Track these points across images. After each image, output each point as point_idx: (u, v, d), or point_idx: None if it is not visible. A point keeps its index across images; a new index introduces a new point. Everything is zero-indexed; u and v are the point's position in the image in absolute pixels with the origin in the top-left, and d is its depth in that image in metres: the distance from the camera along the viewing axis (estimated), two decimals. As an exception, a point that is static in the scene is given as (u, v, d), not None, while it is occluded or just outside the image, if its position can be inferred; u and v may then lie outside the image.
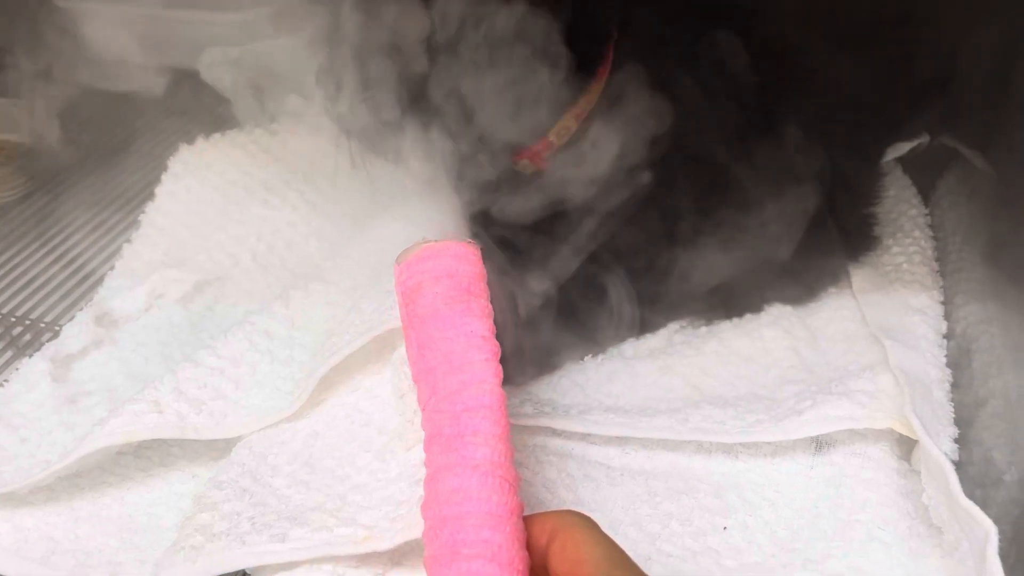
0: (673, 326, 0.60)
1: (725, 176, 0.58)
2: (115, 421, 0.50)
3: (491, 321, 0.44)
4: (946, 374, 0.54)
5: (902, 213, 0.68)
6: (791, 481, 0.50)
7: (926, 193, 0.70)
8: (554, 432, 0.53)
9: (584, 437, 0.52)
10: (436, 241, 0.46)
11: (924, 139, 0.71)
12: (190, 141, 0.72)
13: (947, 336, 0.57)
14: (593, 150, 0.56)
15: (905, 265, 0.63)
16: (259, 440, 0.51)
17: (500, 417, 0.41)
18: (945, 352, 0.56)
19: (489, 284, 0.57)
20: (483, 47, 0.49)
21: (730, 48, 0.60)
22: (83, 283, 0.69)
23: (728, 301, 0.61)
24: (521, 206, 0.57)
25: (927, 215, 0.68)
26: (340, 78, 0.53)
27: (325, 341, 0.53)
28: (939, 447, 0.47)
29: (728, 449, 0.52)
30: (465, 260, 0.45)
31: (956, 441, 0.49)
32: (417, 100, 0.51)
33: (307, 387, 0.51)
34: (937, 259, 0.64)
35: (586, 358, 0.58)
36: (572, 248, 0.59)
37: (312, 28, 0.57)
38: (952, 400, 0.52)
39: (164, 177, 0.71)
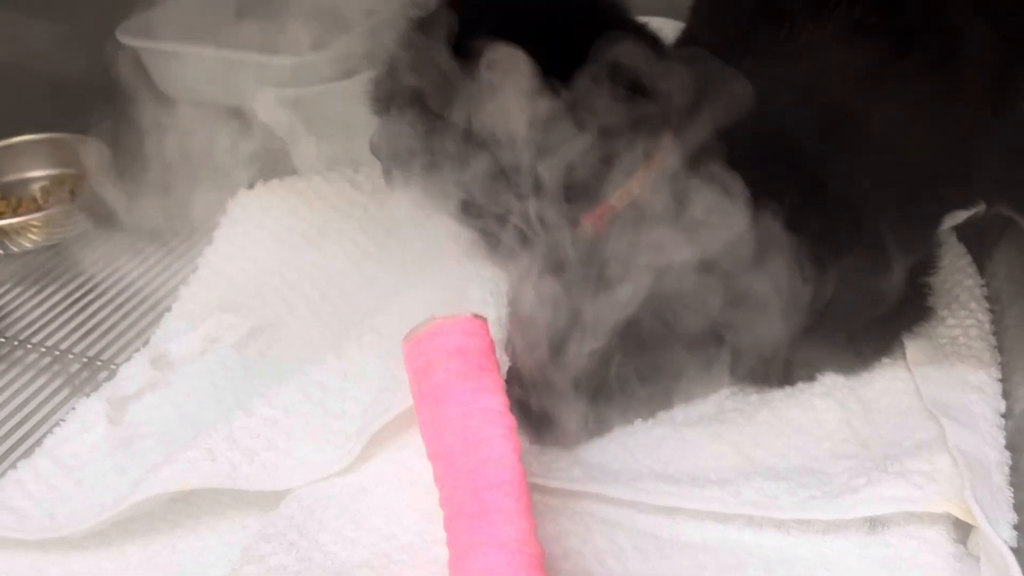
0: (724, 392, 0.60)
1: (779, 242, 0.58)
2: (169, 468, 0.51)
3: (504, 395, 0.45)
4: (1005, 456, 0.53)
5: (957, 283, 0.67)
6: (844, 560, 0.49)
7: (982, 263, 0.69)
8: (603, 498, 0.52)
9: (633, 504, 0.52)
10: (445, 317, 0.46)
11: (980, 208, 0.70)
12: (249, 185, 0.74)
13: (1005, 415, 0.56)
14: (651, 213, 0.57)
15: (961, 339, 0.62)
16: (308, 493, 0.51)
17: (522, 493, 0.41)
18: (1004, 433, 0.55)
19: (537, 345, 0.57)
20: (554, 119, 0.50)
21: (789, 117, 0.61)
22: (139, 322, 0.70)
23: (781, 369, 0.60)
24: (579, 266, 0.57)
25: (983, 286, 0.67)
26: (395, 146, 0.54)
27: (377, 396, 0.53)
28: (999, 534, 0.46)
29: (780, 524, 0.51)
30: (475, 335, 0.46)
31: (1016, 528, 0.48)
32: (473, 167, 0.52)
33: (359, 443, 0.51)
34: (994, 333, 0.63)
35: (636, 422, 0.58)
36: (624, 310, 0.59)
37: (369, 93, 0.58)
38: (1012, 484, 0.51)
39: (222, 220, 0.72)
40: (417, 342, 0.46)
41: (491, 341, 0.46)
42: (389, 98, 0.56)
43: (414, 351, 0.46)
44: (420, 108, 0.54)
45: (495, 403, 0.43)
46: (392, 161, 0.56)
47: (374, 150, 0.58)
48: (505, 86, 0.50)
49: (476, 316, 0.47)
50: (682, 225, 0.55)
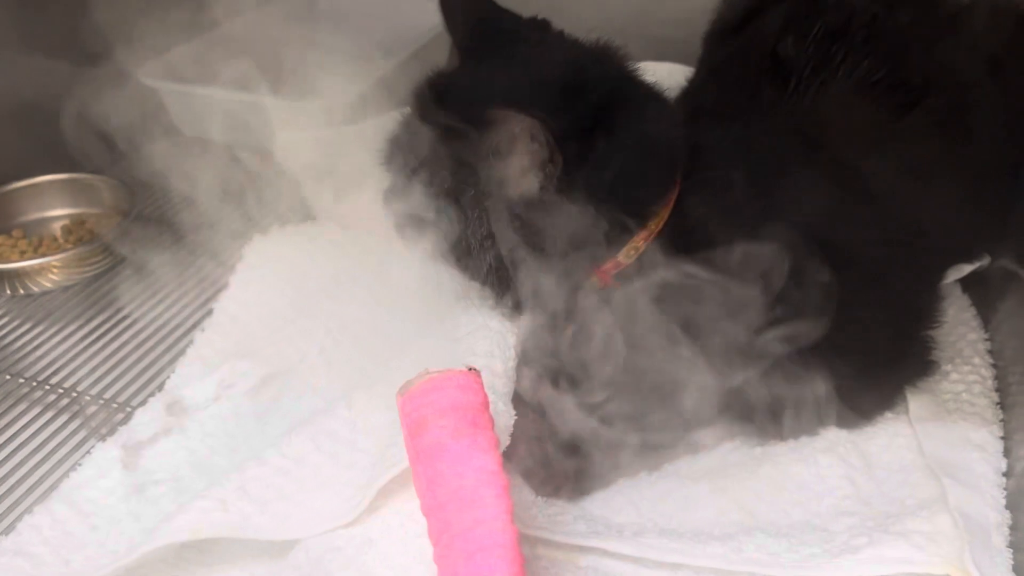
0: (728, 445, 0.61)
1: (779, 296, 0.59)
2: (182, 518, 0.52)
3: (498, 453, 0.45)
4: (1005, 516, 0.53)
5: (961, 337, 0.68)
6: (844, 619, 0.50)
7: (986, 317, 0.70)
8: (607, 553, 0.53)
9: (637, 560, 0.53)
10: (439, 372, 0.47)
11: (985, 261, 0.71)
12: (264, 230, 0.75)
13: (1007, 474, 0.57)
14: (656, 269, 0.58)
15: (964, 394, 0.62)
16: (316, 544, 0.52)
17: (515, 555, 0.42)
18: (1005, 492, 0.55)
19: (542, 399, 0.58)
20: (564, 181, 0.51)
21: (794, 172, 0.62)
22: (155, 364, 0.72)
23: (782, 423, 0.61)
24: (586, 319, 0.58)
25: (987, 340, 0.68)
26: (407, 205, 0.55)
27: (385, 449, 0.54)
28: (997, 597, 0.46)
29: (780, 581, 0.52)
30: (468, 390, 0.47)
31: (1014, 589, 0.49)
32: (486, 227, 0.54)
33: (367, 495, 0.52)
34: (997, 389, 0.64)
35: (641, 475, 0.59)
36: (629, 363, 0.60)
37: (383, 151, 0.60)
38: (1011, 545, 0.52)
39: (239, 266, 0.74)
40: (411, 396, 0.47)
41: (485, 396, 0.47)
42: (402, 157, 0.58)
43: (408, 405, 0.47)
44: (431, 168, 0.55)
45: (489, 462, 0.44)
46: (404, 219, 0.58)
47: (386, 206, 0.59)
48: (516, 152, 0.52)
49: (471, 370, 0.48)
50: (686, 282, 0.57)
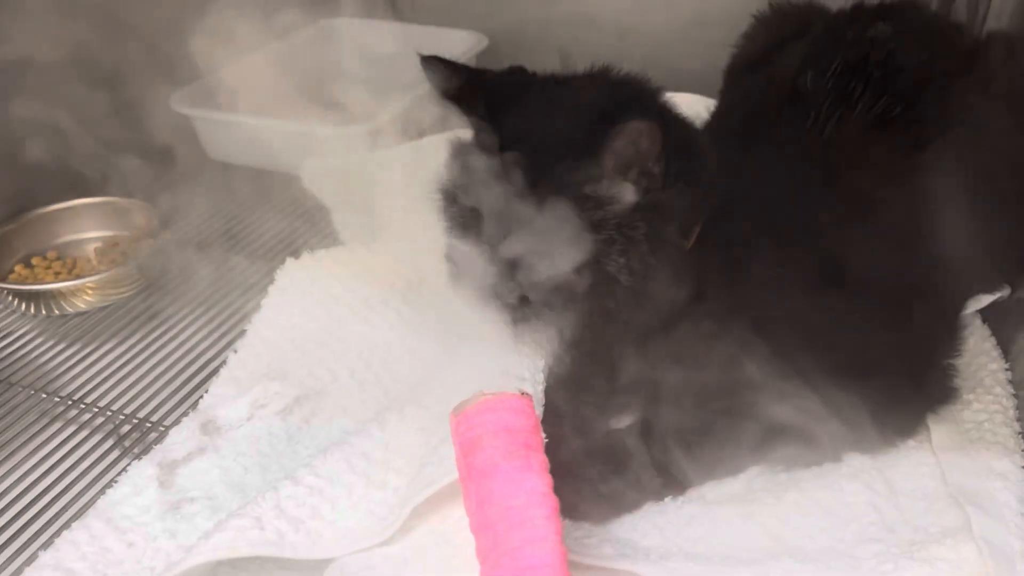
0: (753, 471, 0.62)
1: (800, 328, 0.60)
2: (220, 536, 0.53)
3: (548, 475, 0.46)
4: (1029, 545, 0.54)
5: (982, 367, 0.69)
6: (870, 645, 0.51)
7: (1006, 347, 0.71)
8: (634, 576, 0.54)
9: (664, 583, 0.53)
10: (493, 394, 0.48)
11: (1005, 292, 0.72)
12: (302, 249, 0.77)
13: (1029, 504, 0.57)
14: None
15: (986, 424, 0.63)
16: (351, 562, 0.53)
17: (562, 573, 0.43)
18: (1028, 521, 0.56)
19: (568, 423, 0.60)
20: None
21: (813, 204, 0.63)
22: (187, 384, 0.73)
23: (807, 449, 0.62)
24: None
25: (1007, 370, 0.69)
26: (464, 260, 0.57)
27: (420, 470, 0.55)
28: (1023, 625, 0.47)
29: (807, 607, 0.52)
30: (522, 413, 0.48)
31: (1039, 617, 0.49)
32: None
33: (400, 515, 0.53)
34: (1018, 419, 0.64)
35: (666, 499, 0.60)
36: (653, 390, 0.62)
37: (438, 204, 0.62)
38: (1034, 574, 0.52)
39: (270, 288, 0.75)
40: (465, 416, 0.48)
41: (537, 420, 0.48)
42: (454, 211, 0.60)
43: (462, 425, 0.48)
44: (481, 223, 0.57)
45: (540, 484, 0.45)
46: (461, 270, 0.60)
47: (448, 260, 0.62)
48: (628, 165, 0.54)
49: (523, 394, 0.49)
50: (705, 315, 0.58)
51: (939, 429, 0.63)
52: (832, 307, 0.61)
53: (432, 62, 0.61)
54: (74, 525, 0.58)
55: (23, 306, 0.81)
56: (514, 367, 0.59)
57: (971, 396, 0.66)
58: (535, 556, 0.43)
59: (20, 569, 0.56)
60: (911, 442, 0.63)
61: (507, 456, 0.46)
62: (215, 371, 0.72)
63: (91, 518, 0.58)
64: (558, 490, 0.58)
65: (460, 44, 1.17)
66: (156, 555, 0.56)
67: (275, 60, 1.16)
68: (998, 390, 0.66)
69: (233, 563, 0.56)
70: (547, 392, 0.60)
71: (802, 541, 0.57)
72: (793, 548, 0.56)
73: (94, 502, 0.61)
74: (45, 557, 0.55)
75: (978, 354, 0.70)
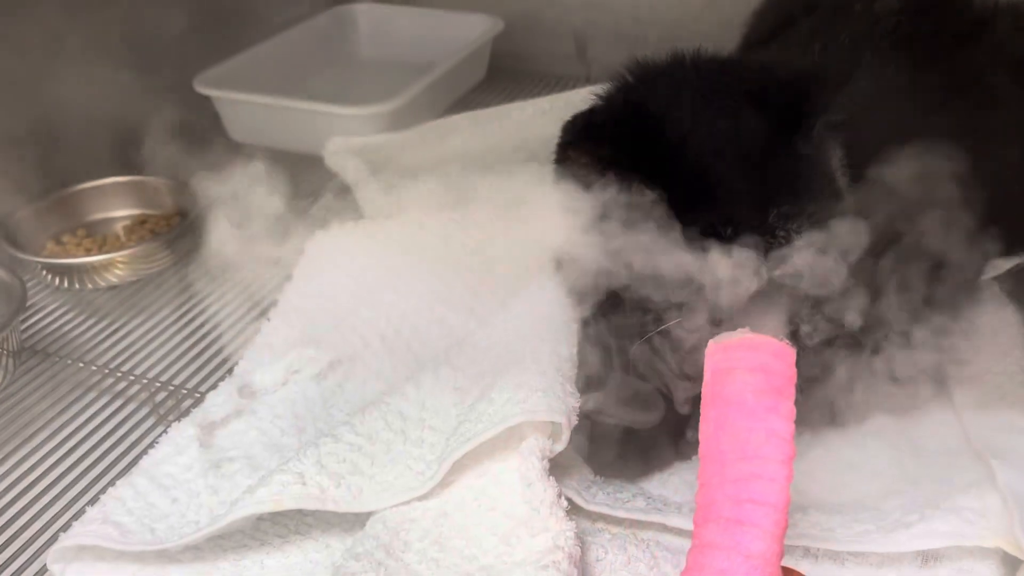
0: (778, 431, 0.63)
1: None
2: (263, 491, 0.54)
3: (793, 425, 0.45)
4: (1052, 496, 0.55)
5: (1000, 331, 0.70)
6: (897, 593, 0.52)
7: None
8: (666, 528, 0.55)
9: (695, 534, 0.55)
10: (759, 335, 0.47)
11: (1022, 259, 0.74)
12: (325, 227, 0.78)
13: (1052, 457, 0.59)
14: None
15: (1007, 384, 0.64)
16: (392, 516, 0.55)
17: (782, 519, 0.42)
18: (1051, 473, 0.57)
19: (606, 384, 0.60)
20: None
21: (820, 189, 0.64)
22: (220, 353, 0.75)
23: (830, 413, 0.63)
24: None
25: (1026, 334, 0.70)
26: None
27: (457, 427, 0.57)
28: (1048, 569, 0.48)
29: (835, 556, 0.54)
30: (782, 359, 0.46)
31: (1064, 564, 0.51)
32: None
33: (440, 470, 0.54)
34: (1038, 378, 0.66)
35: (694, 458, 0.61)
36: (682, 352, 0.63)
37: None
38: (1059, 522, 0.54)
39: (301, 260, 0.77)
40: (724, 347, 0.46)
41: (795, 372, 0.46)
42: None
43: (719, 354, 0.47)
44: None
45: (783, 429, 0.44)
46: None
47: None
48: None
49: (788, 344, 0.47)
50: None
51: (960, 390, 0.64)
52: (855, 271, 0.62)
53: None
54: (119, 483, 0.60)
55: (56, 280, 0.83)
56: (549, 333, 0.61)
57: (990, 359, 0.67)
58: (759, 492, 0.42)
59: (68, 523, 0.58)
60: (933, 403, 0.64)
61: (757, 393, 0.44)
62: (248, 340, 0.74)
63: (135, 476, 0.60)
64: (592, 450, 0.61)
65: (476, 28, 1.19)
66: (200, 510, 0.58)
67: (296, 43, 1.17)
68: (1017, 353, 0.67)
69: (274, 518, 0.58)
70: (580, 354, 0.61)
71: (828, 495, 0.58)
72: (819, 501, 0.57)
73: (135, 464, 0.62)
74: (92, 512, 0.57)
75: (996, 318, 0.71)
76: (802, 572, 0.46)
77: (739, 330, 0.47)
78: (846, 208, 0.56)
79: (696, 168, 0.54)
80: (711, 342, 0.48)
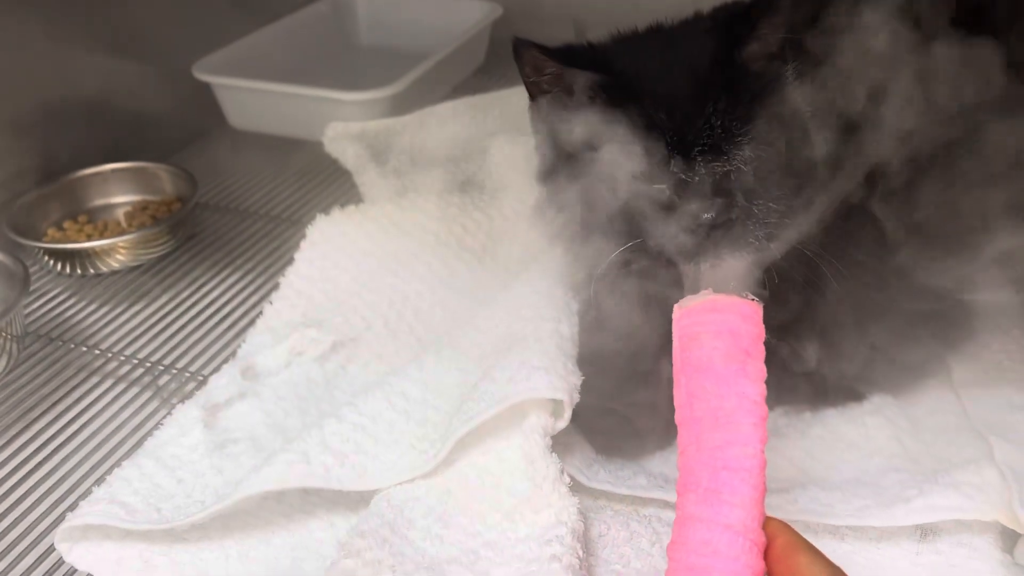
0: (778, 411, 0.63)
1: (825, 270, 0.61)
2: (268, 470, 0.55)
3: (763, 384, 0.45)
4: (1050, 472, 0.56)
5: (1000, 310, 0.70)
6: (896, 566, 0.53)
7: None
8: (667, 504, 0.56)
9: (697, 510, 0.55)
10: (723, 295, 0.46)
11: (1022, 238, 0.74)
12: (326, 211, 0.79)
13: (1050, 433, 0.59)
14: None
15: (1006, 362, 0.65)
16: (397, 494, 0.55)
17: (759, 482, 0.43)
18: (1049, 449, 0.57)
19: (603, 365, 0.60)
20: None
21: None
22: (223, 336, 0.75)
23: (830, 390, 0.63)
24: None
25: (1024, 312, 0.70)
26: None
27: (460, 405, 0.57)
28: (1046, 543, 0.49)
29: (835, 531, 0.54)
30: (749, 320, 0.46)
31: (1062, 538, 0.51)
32: None
33: (443, 448, 0.55)
34: (1036, 357, 0.66)
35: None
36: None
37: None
38: (1056, 498, 0.54)
39: (302, 244, 0.77)
40: (689, 312, 0.46)
41: (762, 328, 0.46)
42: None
43: (685, 319, 0.46)
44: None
45: (753, 391, 0.44)
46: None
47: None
48: None
49: (754, 301, 0.46)
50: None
51: (960, 368, 0.65)
52: (857, 249, 0.62)
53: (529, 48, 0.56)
54: (124, 463, 0.60)
55: (58, 266, 0.83)
56: (549, 309, 0.61)
57: (989, 337, 0.67)
58: (734, 459, 0.42)
59: (75, 503, 0.58)
60: (932, 380, 0.65)
61: (725, 358, 0.44)
62: (251, 323, 0.74)
63: (141, 457, 0.60)
64: (594, 428, 0.61)
65: (474, 14, 1.19)
66: (205, 490, 0.58)
67: (295, 30, 1.17)
68: (1016, 331, 0.68)
69: (279, 497, 0.58)
70: (582, 334, 0.61)
71: (827, 472, 0.59)
72: (818, 478, 0.58)
73: (139, 446, 0.63)
74: (99, 492, 0.57)
75: (996, 297, 0.71)
76: (784, 520, 0.45)
77: (703, 292, 0.47)
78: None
79: (634, 68, 0.54)
80: (676, 306, 0.47)
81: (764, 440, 0.43)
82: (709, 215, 0.51)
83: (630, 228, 0.53)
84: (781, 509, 0.54)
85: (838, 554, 0.53)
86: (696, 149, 0.51)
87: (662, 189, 0.52)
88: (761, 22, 0.53)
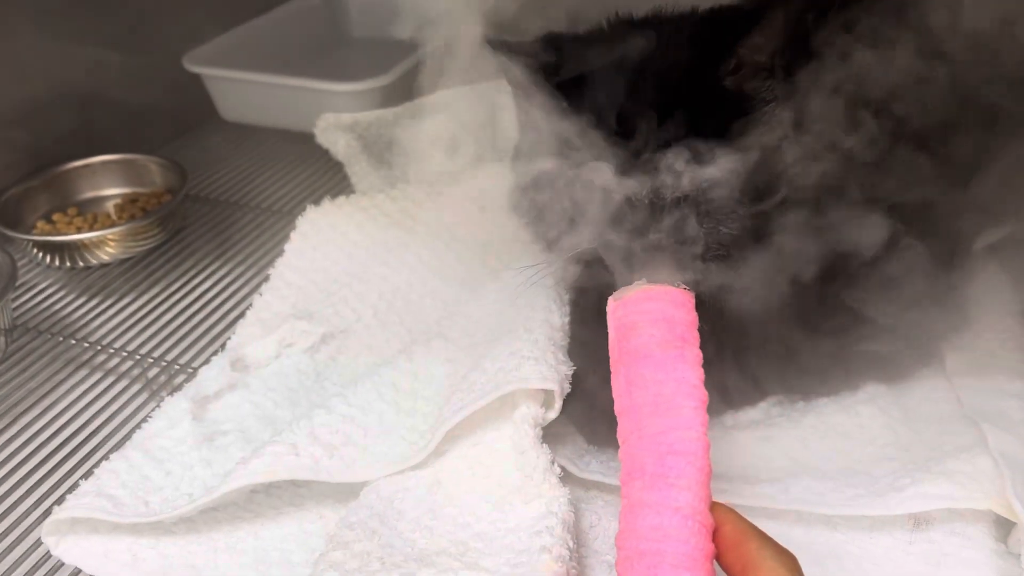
0: (771, 400, 0.63)
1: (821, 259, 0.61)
2: (257, 462, 0.54)
3: (701, 369, 0.45)
4: (1043, 459, 0.55)
5: (993, 299, 0.70)
6: (889, 556, 0.52)
7: (1016, 279, 0.72)
8: (660, 494, 0.55)
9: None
10: (655, 285, 0.47)
11: (1015, 226, 0.73)
12: (317, 202, 0.78)
13: (1043, 421, 0.59)
14: None
15: (999, 351, 0.64)
16: (386, 485, 0.55)
17: (704, 464, 0.43)
18: (1042, 437, 0.57)
19: (591, 355, 0.60)
20: None
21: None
22: (212, 329, 0.75)
23: (823, 380, 0.63)
24: None
25: (1018, 301, 0.70)
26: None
27: (450, 396, 0.57)
28: (1039, 531, 0.49)
29: (827, 520, 0.54)
30: (682, 307, 0.47)
31: (1055, 526, 0.51)
32: None
33: (433, 439, 0.55)
34: (1029, 346, 0.66)
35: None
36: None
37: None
38: (1050, 485, 0.54)
39: (293, 235, 0.76)
40: (624, 302, 0.47)
41: (695, 315, 0.47)
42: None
43: (620, 310, 0.47)
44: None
45: (691, 376, 0.44)
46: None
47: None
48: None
49: (685, 289, 0.47)
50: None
51: (952, 357, 0.64)
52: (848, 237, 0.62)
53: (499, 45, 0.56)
54: (112, 456, 0.59)
55: (47, 258, 0.82)
56: (540, 299, 0.61)
57: (982, 327, 0.67)
58: (679, 443, 0.42)
59: (62, 497, 0.57)
60: (925, 370, 0.64)
61: (662, 345, 0.45)
62: (240, 315, 0.74)
63: (129, 449, 0.60)
64: (584, 419, 0.61)
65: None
66: (193, 482, 0.58)
67: (286, 21, 1.17)
68: (1009, 320, 0.68)
69: (268, 489, 0.58)
70: (572, 324, 0.61)
71: (820, 461, 0.58)
72: (811, 468, 0.58)
73: (128, 439, 0.62)
74: (86, 485, 0.57)
75: (989, 287, 0.71)
76: (729, 504, 0.45)
77: (636, 283, 0.47)
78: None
79: (595, 67, 0.53)
80: (610, 299, 0.48)
81: (705, 424, 0.44)
82: (652, 231, 0.50)
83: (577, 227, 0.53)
84: (773, 499, 0.54)
85: (831, 543, 0.53)
86: (644, 157, 0.50)
87: (608, 194, 0.51)
88: (748, 39, 0.51)
